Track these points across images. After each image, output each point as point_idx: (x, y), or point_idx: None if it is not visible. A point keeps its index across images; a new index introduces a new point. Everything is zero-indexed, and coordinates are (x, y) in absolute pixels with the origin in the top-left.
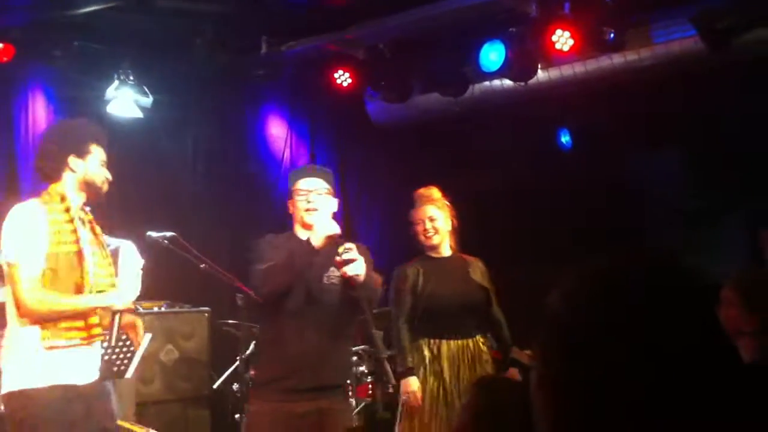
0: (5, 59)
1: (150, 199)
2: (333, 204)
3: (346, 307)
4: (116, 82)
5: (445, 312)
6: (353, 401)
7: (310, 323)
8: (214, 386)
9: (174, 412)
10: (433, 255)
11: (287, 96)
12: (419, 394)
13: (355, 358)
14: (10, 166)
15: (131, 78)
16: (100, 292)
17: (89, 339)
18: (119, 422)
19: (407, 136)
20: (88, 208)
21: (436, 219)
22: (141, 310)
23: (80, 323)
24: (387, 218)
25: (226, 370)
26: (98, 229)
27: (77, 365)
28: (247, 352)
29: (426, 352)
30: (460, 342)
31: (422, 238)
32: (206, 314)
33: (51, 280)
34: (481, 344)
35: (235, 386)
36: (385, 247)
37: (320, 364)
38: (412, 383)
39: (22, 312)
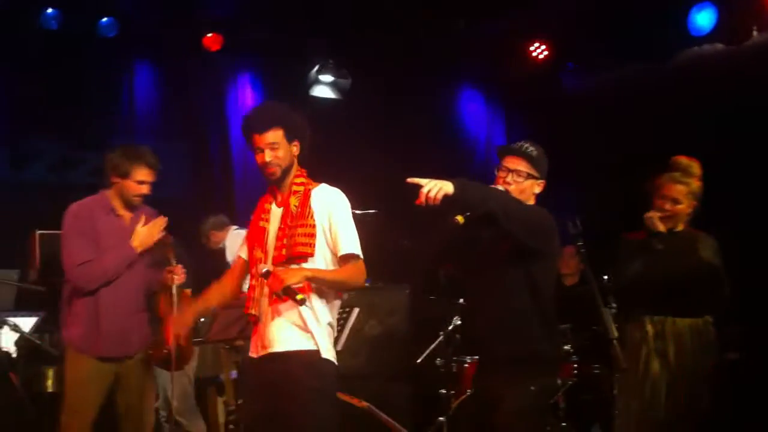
0: (215, 48)
1: (352, 178)
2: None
3: (504, 273)
4: (317, 66)
5: (668, 288)
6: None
7: (479, 292)
8: (418, 361)
9: (377, 385)
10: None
11: (483, 72)
12: None
13: (560, 336)
14: (224, 151)
15: (331, 61)
16: (297, 259)
17: None
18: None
19: (606, 106)
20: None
21: (680, 202)
22: None
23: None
24: (586, 191)
25: (429, 345)
26: (311, 206)
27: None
28: (450, 327)
29: (649, 329)
30: (686, 321)
31: (659, 213)
32: (407, 291)
33: (248, 257)
34: (709, 324)
35: (439, 361)
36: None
37: (487, 336)
38: None
39: None
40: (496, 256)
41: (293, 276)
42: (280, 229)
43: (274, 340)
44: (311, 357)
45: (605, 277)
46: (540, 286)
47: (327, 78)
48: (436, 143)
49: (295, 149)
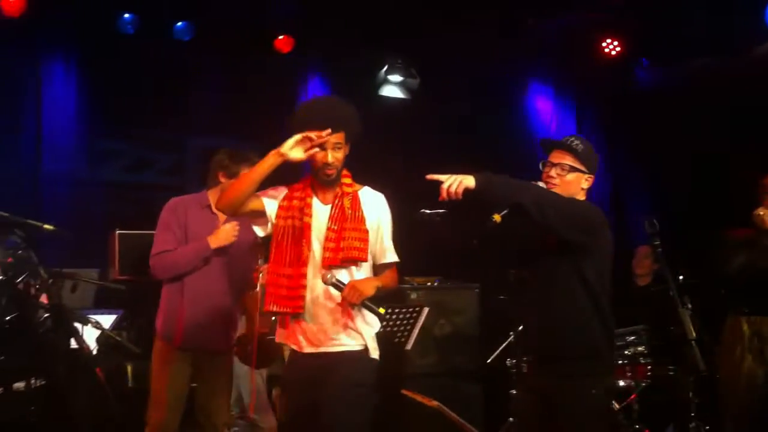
0: (286, 50)
1: (421, 177)
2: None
3: (555, 270)
4: (386, 66)
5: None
6: (624, 383)
7: (532, 289)
8: (488, 361)
9: (447, 384)
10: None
11: (553, 68)
12: None
13: (633, 337)
14: None
15: (400, 61)
16: (350, 263)
17: None
18: (403, 391)
19: (682, 102)
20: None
21: None
22: (415, 284)
23: None
24: (659, 187)
25: (499, 345)
26: (363, 210)
27: None
28: (520, 327)
29: (745, 329)
30: None
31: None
32: (476, 290)
33: (274, 250)
34: None
35: (509, 362)
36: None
37: (541, 333)
38: None
39: None
40: (543, 253)
41: (370, 288)
42: (330, 229)
43: (325, 339)
44: (359, 355)
45: (681, 276)
46: (591, 282)
47: (396, 78)
48: (504, 141)
49: (347, 150)
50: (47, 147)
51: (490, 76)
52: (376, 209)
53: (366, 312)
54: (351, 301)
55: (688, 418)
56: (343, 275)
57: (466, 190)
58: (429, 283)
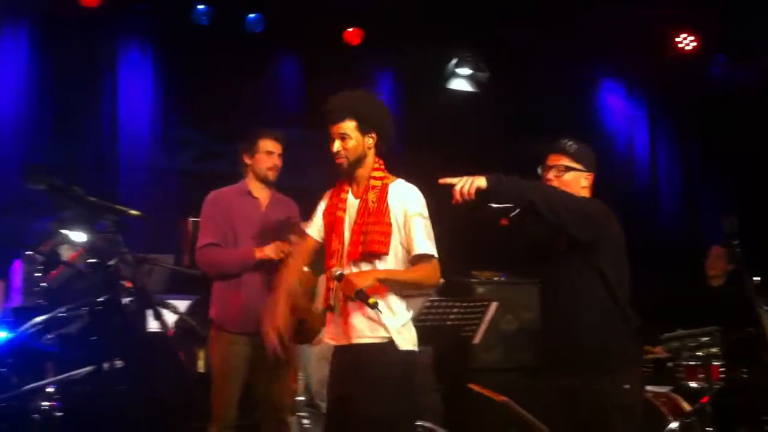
0: (356, 42)
1: (490, 171)
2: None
3: (570, 268)
4: (455, 59)
5: None
6: (697, 384)
7: (550, 290)
8: None
9: (513, 380)
10: None
11: (625, 64)
12: None
13: (706, 338)
14: None
15: (469, 55)
16: (371, 257)
17: None
18: (471, 385)
19: (756, 99)
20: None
21: None
22: (482, 279)
23: None
24: (733, 186)
25: None
26: (388, 203)
27: None
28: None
29: None
30: None
31: None
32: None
33: (325, 246)
34: None
35: None
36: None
37: (563, 333)
38: None
39: None
40: (556, 252)
41: (365, 279)
42: (356, 223)
43: (349, 332)
44: (383, 348)
45: (756, 278)
46: (608, 276)
47: (465, 71)
48: (574, 138)
49: (370, 140)
50: (123, 135)
51: (561, 73)
52: (402, 201)
53: (392, 303)
54: (345, 293)
55: (762, 421)
56: (366, 269)
57: (479, 191)
58: (495, 278)
